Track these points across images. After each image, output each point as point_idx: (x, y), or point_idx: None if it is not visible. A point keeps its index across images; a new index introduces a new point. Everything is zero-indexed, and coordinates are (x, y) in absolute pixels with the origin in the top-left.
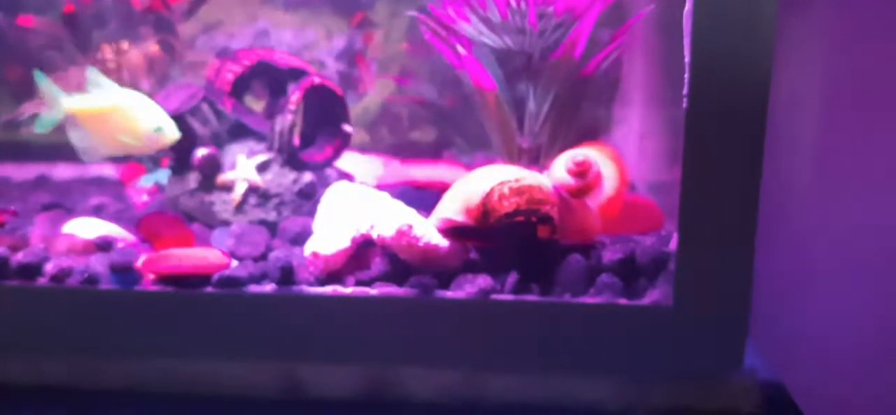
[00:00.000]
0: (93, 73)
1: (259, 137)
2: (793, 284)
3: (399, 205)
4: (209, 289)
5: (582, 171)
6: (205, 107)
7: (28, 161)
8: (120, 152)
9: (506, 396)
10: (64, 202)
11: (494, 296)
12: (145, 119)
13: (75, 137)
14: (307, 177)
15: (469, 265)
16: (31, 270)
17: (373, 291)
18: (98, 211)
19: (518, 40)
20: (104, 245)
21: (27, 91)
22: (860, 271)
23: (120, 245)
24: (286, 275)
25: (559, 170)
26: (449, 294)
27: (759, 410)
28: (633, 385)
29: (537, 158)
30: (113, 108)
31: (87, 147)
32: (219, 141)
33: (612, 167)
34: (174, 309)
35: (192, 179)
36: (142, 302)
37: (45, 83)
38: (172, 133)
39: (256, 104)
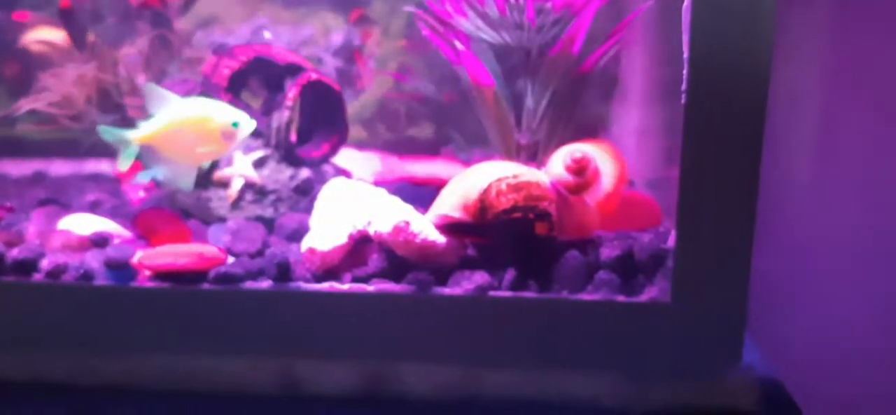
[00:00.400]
0: (151, 88)
1: (256, 132)
2: (791, 281)
3: (396, 201)
4: (206, 285)
5: (580, 167)
6: None
7: (24, 157)
8: (205, 161)
9: (503, 392)
10: (60, 198)
11: (492, 293)
12: (218, 118)
13: (157, 169)
14: (304, 173)
15: (466, 262)
16: (26, 267)
17: (370, 287)
18: (94, 207)
19: (516, 36)
20: (100, 241)
21: (24, 87)
22: (858, 268)
23: (116, 241)
24: (283, 271)
25: (557, 166)
26: (446, 291)
27: (758, 407)
28: (631, 382)
29: (535, 155)
30: (182, 120)
31: (174, 174)
32: None
33: (610, 163)
34: (170, 305)
35: None
36: (138, 298)
37: (108, 133)
38: (248, 122)
39: (254, 100)
